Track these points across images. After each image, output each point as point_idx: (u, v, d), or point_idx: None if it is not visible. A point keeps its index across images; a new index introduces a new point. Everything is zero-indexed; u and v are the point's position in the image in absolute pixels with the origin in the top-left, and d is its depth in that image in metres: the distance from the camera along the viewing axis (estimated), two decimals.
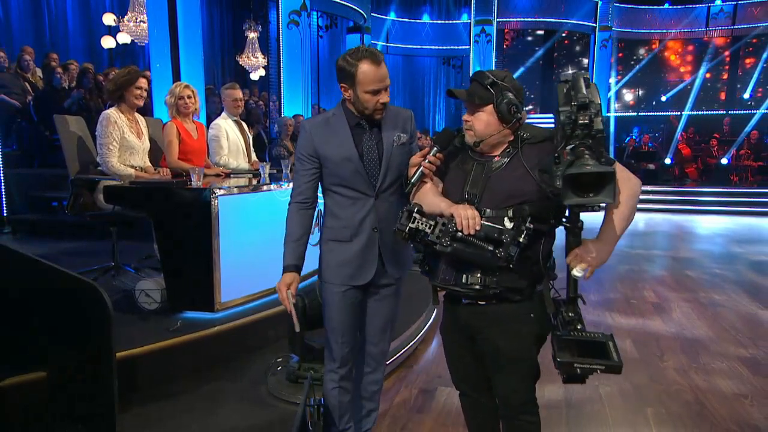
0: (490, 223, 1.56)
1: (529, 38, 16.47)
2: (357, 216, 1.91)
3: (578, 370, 1.45)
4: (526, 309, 1.65)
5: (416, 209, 1.60)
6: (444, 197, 1.70)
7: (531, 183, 1.60)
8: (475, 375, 1.84)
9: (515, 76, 2.03)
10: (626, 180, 1.58)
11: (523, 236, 1.53)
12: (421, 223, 1.58)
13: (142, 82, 3.48)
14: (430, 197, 1.71)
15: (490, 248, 1.53)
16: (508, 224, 1.57)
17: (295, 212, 1.92)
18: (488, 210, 1.60)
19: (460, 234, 1.55)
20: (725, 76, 15.81)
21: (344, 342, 2.01)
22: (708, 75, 15.44)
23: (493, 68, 14.29)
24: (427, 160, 1.74)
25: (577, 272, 1.53)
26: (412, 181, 1.76)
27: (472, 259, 1.57)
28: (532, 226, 1.54)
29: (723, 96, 15.72)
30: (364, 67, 1.79)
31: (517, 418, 1.76)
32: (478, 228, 1.54)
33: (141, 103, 3.54)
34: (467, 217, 1.54)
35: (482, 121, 1.65)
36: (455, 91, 1.70)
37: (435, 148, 1.74)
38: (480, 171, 1.68)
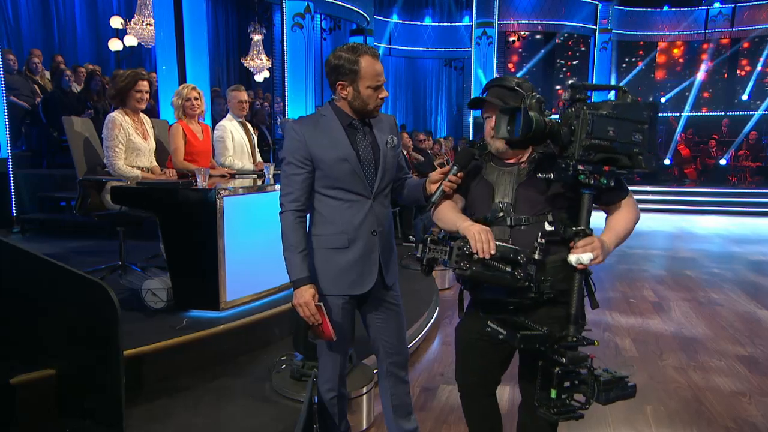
0: (505, 245, 1.52)
1: (530, 40, 16.49)
2: (354, 220, 1.83)
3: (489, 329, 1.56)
4: (564, 309, 1.61)
5: (429, 239, 1.56)
6: (461, 213, 1.68)
7: (565, 185, 1.59)
8: (495, 377, 1.84)
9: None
10: (633, 205, 1.67)
11: (537, 253, 1.49)
12: (436, 252, 1.55)
13: (143, 85, 3.43)
14: (449, 214, 1.69)
15: (509, 269, 1.48)
16: (549, 228, 1.56)
17: (293, 221, 1.80)
18: (525, 217, 1.59)
19: (476, 256, 1.49)
20: (724, 78, 15.81)
21: (345, 355, 1.98)
22: (707, 77, 15.45)
23: (494, 70, 14.24)
24: (447, 179, 1.72)
25: (584, 259, 1.51)
26: (433, 200, 1.74)
27: (493, 281, 1.52)
28: (543, 240, 1.52)
29: (722, 97, 15.72)
30: (367, 62, 1.74)
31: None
32: (492, 252, 1.48)
33: (143, 106, 3.50)
34: (481, 241, 1.48)
35: None
36: (486, 99, 1.65)
37: (455, 168, 1.72)
38: (508, 179, 1.66)
